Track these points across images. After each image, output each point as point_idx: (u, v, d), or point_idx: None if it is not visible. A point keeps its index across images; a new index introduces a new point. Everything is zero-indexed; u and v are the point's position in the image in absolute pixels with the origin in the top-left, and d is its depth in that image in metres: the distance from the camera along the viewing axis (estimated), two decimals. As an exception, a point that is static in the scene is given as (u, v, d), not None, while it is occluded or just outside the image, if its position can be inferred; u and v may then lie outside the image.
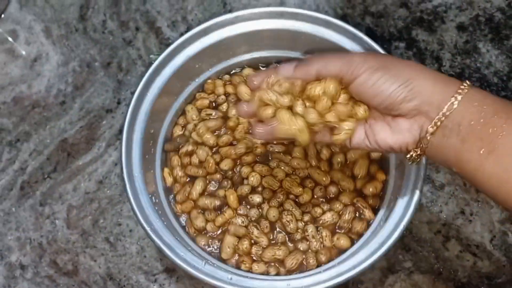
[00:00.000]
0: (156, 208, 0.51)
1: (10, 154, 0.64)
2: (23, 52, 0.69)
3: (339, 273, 0.47)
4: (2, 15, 0.71)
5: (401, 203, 0.49)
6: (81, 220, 0.61)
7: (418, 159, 0.40)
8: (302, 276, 0.50)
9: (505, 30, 0.66)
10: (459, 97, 0.36)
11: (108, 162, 0.63)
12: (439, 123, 0.37)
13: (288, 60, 0.47)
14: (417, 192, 0.48)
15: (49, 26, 0.70)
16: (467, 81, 0.38)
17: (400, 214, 0.48)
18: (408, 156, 0.40)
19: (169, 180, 0.57)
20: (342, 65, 0.40)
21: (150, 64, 0.67)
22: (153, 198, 0.52)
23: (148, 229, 0.48)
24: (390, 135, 0.40)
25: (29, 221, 0.61)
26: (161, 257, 0.59)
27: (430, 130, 0.38)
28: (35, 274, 0.59)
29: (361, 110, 0.41)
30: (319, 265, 0.53)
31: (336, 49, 0.53)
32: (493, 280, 0.57)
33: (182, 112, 0.60)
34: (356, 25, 0.63)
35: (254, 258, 0.53)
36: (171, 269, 0.58)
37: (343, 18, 0.68)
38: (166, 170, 0.57)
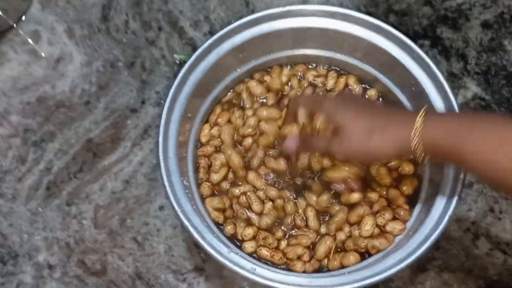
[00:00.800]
0: (187, 191, 0.51)
1: (36, 154, 0.64)
2: (44, 54, 0.69)
3: (364, 276, 0.47)
4: (24, 17, 0.71)
5: (439, 204, 0.49)
6: (108, 220, 0.61)
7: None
8: (325, 276, 0.50)
9: (530, 27, 0.66)
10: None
11: (134, 161, 0.63)
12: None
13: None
14: (455, 198, 0.48)
15: (71, 27, 0.70)
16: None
17: (437, 216, 0.48)
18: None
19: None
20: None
21: (174, 63, 0.68)
22: (184, 181, 0.52)
23: (178, 210, 0.48)
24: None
25: (56, 221, 0.61)
26: (190, 256, 0.59)
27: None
28: (64, 274, 0.59)
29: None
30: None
31: (382, 55, 0.55)
32: (524, 278, 0.56)
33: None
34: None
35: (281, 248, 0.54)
36: (200, 268, 0.58)
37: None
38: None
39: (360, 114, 0.46)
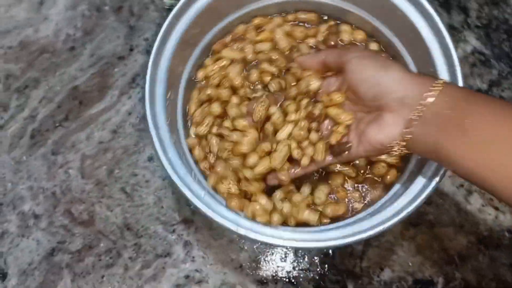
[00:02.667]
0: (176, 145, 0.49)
1: (19, 101, 0.61)
2: (27, -5, 0.66)
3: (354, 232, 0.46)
4: (3, -45, 0.67)
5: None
6: (95, 170, 0.59)
7: (402, 152, 0.43)
8: (314, 230, 0.50)
9: (535, -20, 0.64)
10: (436, 91, 0.39)
11: (122, 111, 0.61)
12: (421, 114, 0.40)
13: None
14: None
15: (55, -33, 0.66)
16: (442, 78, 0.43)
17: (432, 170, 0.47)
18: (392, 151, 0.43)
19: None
20: (337, 54, 0.47)
21: (164, 9, 0.65)
22: (173, 135, 0.50)
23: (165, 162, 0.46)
24: (379, 131, 0.43)
25: (42, 170, 0.59)
26: (179, 208, 0.58)
27: (414, 121, 0.40)
28: (50, 224, 0.58)
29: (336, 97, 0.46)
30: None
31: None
32: (514, 234, 0.57)
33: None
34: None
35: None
36: (189, 220, 0.57)
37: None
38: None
39: (381, 69, 0.43)
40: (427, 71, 0.51)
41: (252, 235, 0.45)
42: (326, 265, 0.56)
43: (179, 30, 0.53)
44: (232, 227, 0.45)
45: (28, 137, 0.60)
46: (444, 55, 0.50)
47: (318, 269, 0.56)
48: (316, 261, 0.56)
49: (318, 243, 0.46)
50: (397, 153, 0.43)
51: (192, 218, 0.57)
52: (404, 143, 0.42)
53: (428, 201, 0.56)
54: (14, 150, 0.60)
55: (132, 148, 0.60)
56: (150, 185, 0.59)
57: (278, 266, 0.56)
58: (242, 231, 0.45)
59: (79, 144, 0.60)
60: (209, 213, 0.45)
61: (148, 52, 0.63)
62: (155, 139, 0.47)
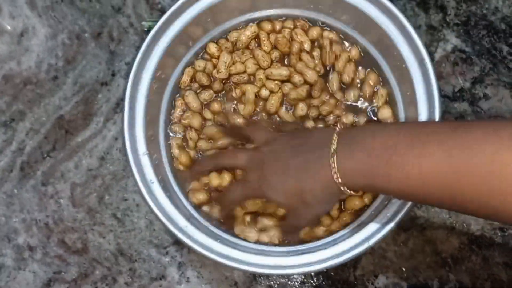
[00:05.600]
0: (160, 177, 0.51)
1: (6, 135, 0.62)
2: (8, 27, 0.66)
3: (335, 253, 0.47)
4: (-18, -11, 0.68)
5: None
6: (86, 198, 0.59)
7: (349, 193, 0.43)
8: (302, 251, 0.50)
9: (511, -28, 0.63)
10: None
11: (108, 137, 0.61)
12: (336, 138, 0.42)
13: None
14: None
15: (32, -2, 0.67)
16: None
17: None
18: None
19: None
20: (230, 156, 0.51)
21: (142, 31, 0.65)
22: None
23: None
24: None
25: (33, 202, 0.60)
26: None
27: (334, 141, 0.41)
28: (45, 255, 0.58)
29: None
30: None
31: (354, 11, 0.52)
32: (506, 232, 0.56)
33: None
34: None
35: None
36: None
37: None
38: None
39: (280, 179, 0.44)
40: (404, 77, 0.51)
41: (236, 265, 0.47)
42: (321, 276, 0.56)
43: (156, 53, 0.54)
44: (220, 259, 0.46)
45: (17, 170, 0.61)
46: (415, 55, 0.50)
47: (312, 281, 0.56)
48: (311, 273, 0.56)
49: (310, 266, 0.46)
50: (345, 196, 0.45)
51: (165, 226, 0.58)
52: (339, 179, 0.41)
53: (417, 205, 0.57)
54: (5, 184, 0.60)
55: (120, 173, 0.60)
56: (140, 209, 0.59)
57: (272, 281, 0.56)
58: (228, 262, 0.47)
59: (68, 173, 0.60)
60: (190, 244, 0.47)
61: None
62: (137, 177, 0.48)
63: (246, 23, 0.57)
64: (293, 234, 0.50)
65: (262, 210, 0.51)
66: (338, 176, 0.40)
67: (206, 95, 0.57)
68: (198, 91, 0.57)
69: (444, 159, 0.35)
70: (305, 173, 0.42)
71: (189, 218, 0.50)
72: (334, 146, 0.41)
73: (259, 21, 0.57)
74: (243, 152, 0.48)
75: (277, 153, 0.45)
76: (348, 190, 0.41)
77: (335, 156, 0.40)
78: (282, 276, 0.56)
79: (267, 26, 0.57)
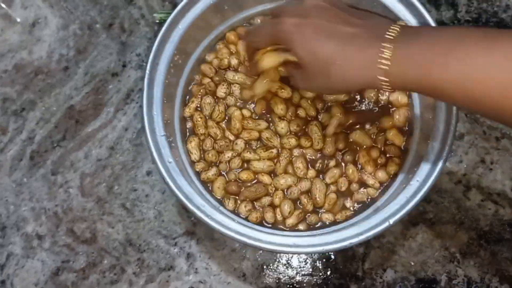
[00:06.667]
0: (176, 159, 0.51)
1: (17, 123, 0.62)
2: (19, 18, 0.66)
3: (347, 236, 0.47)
4: (-6, -21, 0.68)
5: (424, 167, 0.48)
6: (95, 188, 0.60)
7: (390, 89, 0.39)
8: (313, 234, 0.50)
9: (522, -30, 0.63)
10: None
11: (118, 127, 0.61)
12: (398, 29, 0.38)
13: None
14: (446, 149, 0.47)
15: (44, -12, 0.67)
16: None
17: (428, 168, 0.48)
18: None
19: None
20: (275, 25, 0.44)
21: (154, 23, 0.65)
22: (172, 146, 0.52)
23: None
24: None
25: (42, 191, 0.60)
26: (180, 220, 0.58)
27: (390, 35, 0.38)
28: (53, 244, 0.58)
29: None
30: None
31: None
32: (515, 227, 0.56)
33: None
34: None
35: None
36: (191, 232, 0.58)
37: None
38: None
39: (320, 38, 0.39)
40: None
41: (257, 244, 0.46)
42: (329, 269, 0.56)
43: (171, 44, 0.54)
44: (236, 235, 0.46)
45: (27, 159, 0.61)
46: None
47: (320, 274, 0.56)
48: (319, 265, 0.56)
49: (325, 246, 0.46)
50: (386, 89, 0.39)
51: (193, 229, 0.58)
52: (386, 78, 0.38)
53: (427, 199, 0.57)
54: (14, 172, 0.60)
55: (130, 163, 0.60)
56: (149, 199, 0.59)
57: (281, 273, 0.56)
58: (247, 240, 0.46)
59: (78, 163, 0.60)
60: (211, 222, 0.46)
61: (141, 67, 0.63)
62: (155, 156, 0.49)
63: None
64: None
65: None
66: (387, 66, 0.37)
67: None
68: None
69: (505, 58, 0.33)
70: (347, 48, 0.39)
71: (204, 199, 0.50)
72: (390, 35, 0.38)
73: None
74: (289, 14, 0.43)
75: (326, 16, 0.41)
76: (387, 87, 0.38)
77: (390, 44, 0.37)
78: (302, 253, 0.55)
79: None
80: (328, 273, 0.56)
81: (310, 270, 0.56)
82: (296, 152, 0.54)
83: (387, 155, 0.53)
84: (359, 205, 0.53)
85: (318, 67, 0.40)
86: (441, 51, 0.35)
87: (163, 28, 0.52)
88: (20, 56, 0.64)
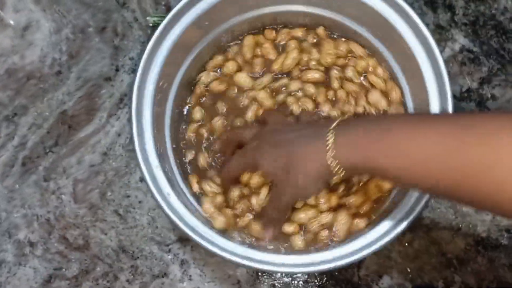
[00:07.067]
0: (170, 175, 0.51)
1: (8, 129, 0.61)
2: (12, 21, 0.66)
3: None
4: (-14, -18, 0.67)
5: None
6: (88, 194, 0.59)
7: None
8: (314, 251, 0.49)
9: (520, -28, 0.63)
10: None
11: (111, 132, 0.61)
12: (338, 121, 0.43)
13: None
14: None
15: (37, -9, 0.66)
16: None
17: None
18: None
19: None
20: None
21: (148, 27, 0.64)
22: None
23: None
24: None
25: (34, 198, 0.59)
26: (173, 227, 0.58)
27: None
28: (45, 251, 0.58)
29: None
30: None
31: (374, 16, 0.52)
32: (512, 233, 0.56)
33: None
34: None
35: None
36: (185, 238, 0.57)
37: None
38: None
39: (277, 148, 0.45)
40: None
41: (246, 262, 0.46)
42: (325, 276, 0.56)
43: (164, 48, 0.53)
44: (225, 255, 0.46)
45: (19, 165, 0.60)
46: (429, 57, 0.50)
47: (316, 281, 0.56)
48: (315, 272, 0.56)
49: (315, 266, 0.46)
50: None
51: (187, 237, 0.57)
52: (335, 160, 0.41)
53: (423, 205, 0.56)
54: (6, 178, 0.60)
55: (123, 169, 0.60)
56: (143, 205, 0.58)
57: (275, 280, 0.56)
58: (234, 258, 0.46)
59: (70, 169, 0.60)
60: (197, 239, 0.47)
61: (134, 71, 0.62)
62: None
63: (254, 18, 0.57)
64: (274, 221, 0.49)
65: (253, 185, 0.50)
66: (333, 150, 0.41)
67: None
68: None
69: (439, 142, 0.36)
70: (297, 146, 0.44)
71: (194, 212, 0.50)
72: (332, 127, 0.42)
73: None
74: (249, 128, 0.52)
75: (278, 129, 0.49)
76: (340, 170, 0.41)
77: (332, 133, 0.41)
78: (287, 275, 0.55)
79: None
80: (324, 280, 0.56)
81: (306, 276, 0.56)
82: None
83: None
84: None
85: (281, 172, 0.44)
86: (376, 137, 0.40)
87: (156, 32, 0.51)
88: (12, 60, 0.64)
